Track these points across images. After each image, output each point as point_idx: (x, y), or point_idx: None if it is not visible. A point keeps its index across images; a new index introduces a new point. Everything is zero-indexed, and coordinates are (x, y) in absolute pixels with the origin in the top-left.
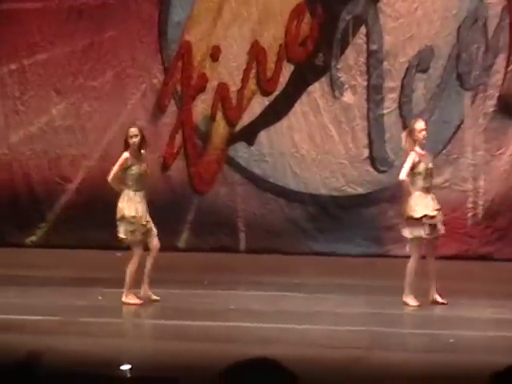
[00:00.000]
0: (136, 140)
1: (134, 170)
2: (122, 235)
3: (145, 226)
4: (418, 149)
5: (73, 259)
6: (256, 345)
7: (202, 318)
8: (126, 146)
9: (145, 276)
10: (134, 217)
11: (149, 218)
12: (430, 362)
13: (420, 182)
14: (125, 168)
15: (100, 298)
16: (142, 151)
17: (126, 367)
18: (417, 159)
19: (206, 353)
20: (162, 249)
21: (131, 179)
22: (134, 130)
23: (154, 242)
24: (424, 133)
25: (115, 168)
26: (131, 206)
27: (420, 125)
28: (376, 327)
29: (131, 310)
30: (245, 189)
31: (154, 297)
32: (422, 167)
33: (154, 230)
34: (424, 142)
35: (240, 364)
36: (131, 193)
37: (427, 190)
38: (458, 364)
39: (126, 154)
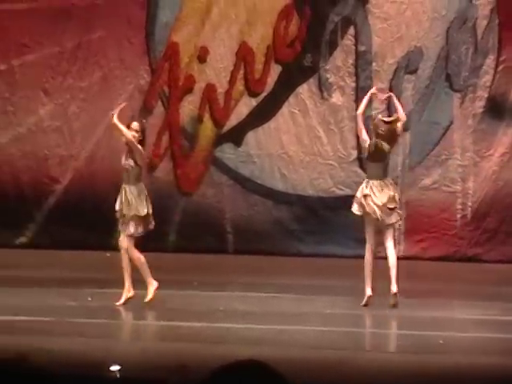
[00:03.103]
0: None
1: (122, 161)
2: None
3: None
4: None
5: (62, 260)
6: (244, 346)
7: (191, 318)
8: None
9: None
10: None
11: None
12: (420, 364)
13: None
14: None
15: (90, 298)
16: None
17: (115, 368)
18: None
19: (194, 354)
20: (149, 250)
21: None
22: (134, 125)
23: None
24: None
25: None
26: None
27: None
28: (364, 328)
29: (120, 310)
30: (232, 190)
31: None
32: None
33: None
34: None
35: (229, 366)
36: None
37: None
38: (447, 365)
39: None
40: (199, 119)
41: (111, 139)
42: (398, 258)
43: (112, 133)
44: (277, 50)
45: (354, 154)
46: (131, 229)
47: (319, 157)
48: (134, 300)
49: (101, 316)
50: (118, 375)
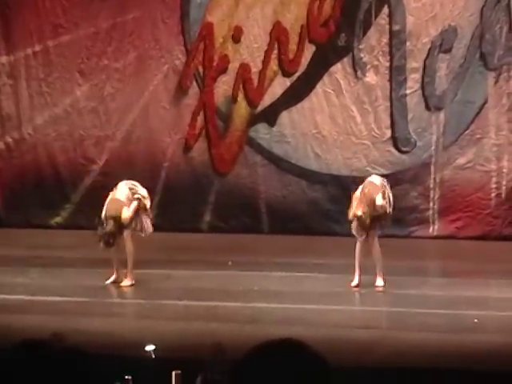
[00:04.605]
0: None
1: None
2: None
3: None
4: None
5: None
6: (279, 325)
7: (226, 298)
8: None
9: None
10: None
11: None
12: (454, 342)
13: None
14: None
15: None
16: None
17: (150, 348)
18: None
19: (229, 333)
20: (185, 230)
21: None
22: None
23: None
24: None
25: None
26: None
27: None
28: (398, 308)
29: (155, 290)
30: (266, 170)
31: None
32: None
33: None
34: None
35: (265, 345)
36: None
37: None
38: (482, 344)
39: None
40: (233, 99)
41: (147, 120)
42: (433, 238)
43: (148, 113)
44: (311, 30)
45: (388, 133)
46: None
47: (353, 136)
48: (170, 280)
49: (136, 296)
50: (153, 355)
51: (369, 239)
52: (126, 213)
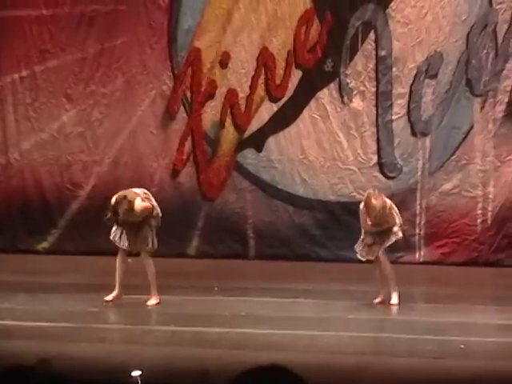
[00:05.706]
0: None
1: None
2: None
3: None
4: None
5: (84, 265)
6: (266, 351)
7: (213, 324)
8: None
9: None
10: None
11: None
12: (440, 369)
13: None
14: None
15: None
16: None
17: (136, 373)
18: None
19: (216, 359)
20: (172, 255)
21: None
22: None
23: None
24: None
25: None
26: None
27: None
28: (385, 333)
29: (142, 315)
30: (253, 195)
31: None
32: None
33: None
34: None
35: (251, 371)
36: None
37: None
38: (468, 370)
39: None
40: (221, 124)
41: (134, 145)
42: (419, 263)
43: (135, 138)
44: (297, 55)
45: (375, 158)
46: None
47: (339, 162)
48: (156, 305)
49: (122, 322)
50: (139, 381)
51: (376, 257)
52: (140, 203)
